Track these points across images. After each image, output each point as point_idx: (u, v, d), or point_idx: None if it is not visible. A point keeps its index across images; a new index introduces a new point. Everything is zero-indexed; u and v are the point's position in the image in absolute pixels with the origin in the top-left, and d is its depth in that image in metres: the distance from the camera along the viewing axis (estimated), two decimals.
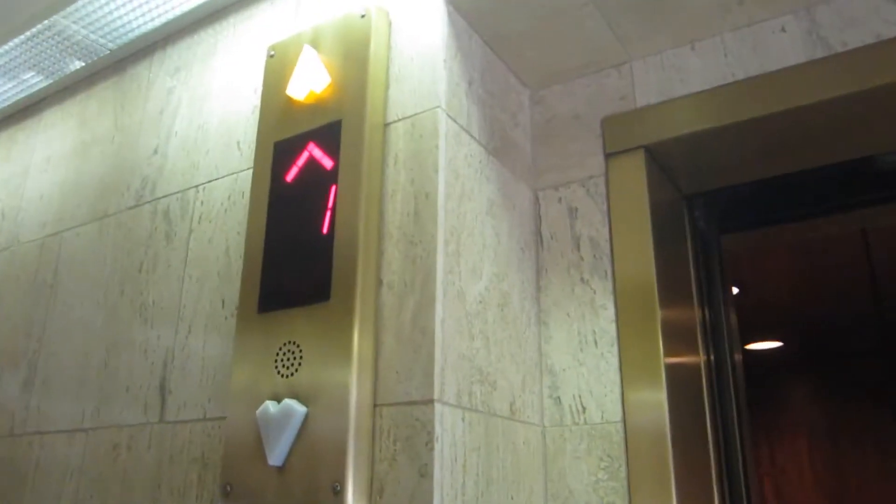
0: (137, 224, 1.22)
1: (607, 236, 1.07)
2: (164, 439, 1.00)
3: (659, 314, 0.99)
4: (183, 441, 0.98)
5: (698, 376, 1.18)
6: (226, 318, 1.00)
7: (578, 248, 1.08)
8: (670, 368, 0.98)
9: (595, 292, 1.03)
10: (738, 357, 1.34)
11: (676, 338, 1.07)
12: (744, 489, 1.19)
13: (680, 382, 1.03)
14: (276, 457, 0.80)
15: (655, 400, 0.92)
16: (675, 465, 0.89)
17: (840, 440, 3.61)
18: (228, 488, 0.85)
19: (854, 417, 3.62)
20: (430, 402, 0.77)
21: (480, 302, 0.91)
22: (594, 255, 1.06)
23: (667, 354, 0.97)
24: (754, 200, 1.35)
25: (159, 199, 1.21)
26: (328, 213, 0.91)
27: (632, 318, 0.99)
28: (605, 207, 1.09)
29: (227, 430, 0.88)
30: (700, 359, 1.21)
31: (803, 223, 1.40)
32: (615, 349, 0.98)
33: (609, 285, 1.03)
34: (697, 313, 1.24)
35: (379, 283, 0.87)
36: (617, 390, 0.95)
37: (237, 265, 1.02)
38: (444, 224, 0.88)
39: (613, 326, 0.99)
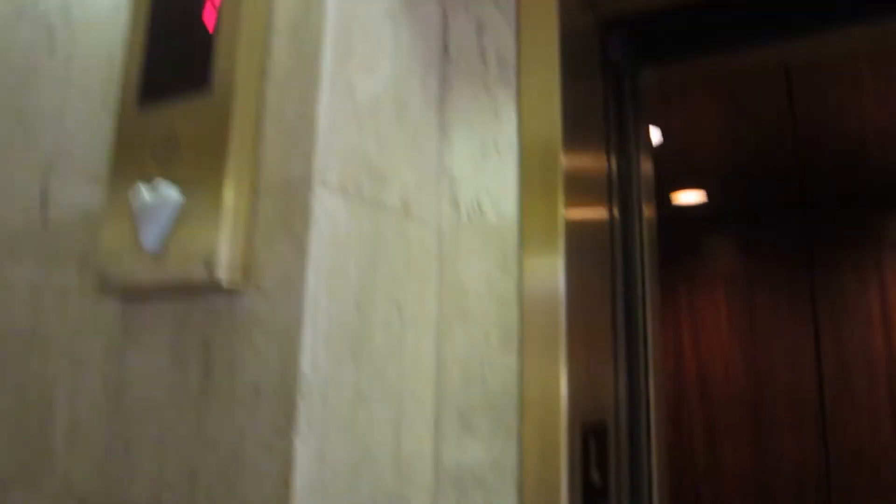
0: (16, 36, 1.16)
1: (515, 52, 1.06)
2: (45, 242, 0.99)
3: (562, 156, 0.99)
4: (63, 241, 0.97)
5: (601, 195, 1.20)
6: (108, 118, 0.98)
7: (485, 63, 1.06)
8: (570, 177, 0.99)
9: (499, 103, 1.03)
10: (649, 208, 1.34)
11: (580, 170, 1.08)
12: (643, 342, 1.23)
13: (581, 193, 1.05)
14: (151, 242, 0.80)
15: (551, 201, 0.94)
16: (567, 261, 0.92)
17: (756, 289, 3.82)
18: (105, 277, 0.86)
19: (771, 268, 3.82)
20: (310, 182, 0.77)
21: (374, 101, 0.90)
22: (500, 70, 1.05)
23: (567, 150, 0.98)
24: (674, 30, 1.34)
25: (40, 7, 1.15)
26: (213, 11, 0.89)
27: (534, 126, 0.99)
28: (514, 25, 1.07)
29: (103, 221, 0.88)
30: (606, 200, 1.22)
31: (725, 55, 1.40)
32: (516, 156, 0.98)
33: (513, 97, 1.02)
34: (608, 155, 1.24)
35: (264, 75, 0.85)
36: (515, 193, 0.96)
37: (120, 70, 0.98)
38: (336, 20, 0.85)
39: (516, 136, 1.00)
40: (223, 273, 0.77)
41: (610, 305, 1.14)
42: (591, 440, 0.92)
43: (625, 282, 1.23)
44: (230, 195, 0.79)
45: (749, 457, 3.65)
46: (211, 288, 0.80)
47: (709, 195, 3.73)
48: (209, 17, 0.88)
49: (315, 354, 0.75)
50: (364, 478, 0.80)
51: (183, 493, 0.79)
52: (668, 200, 3.69)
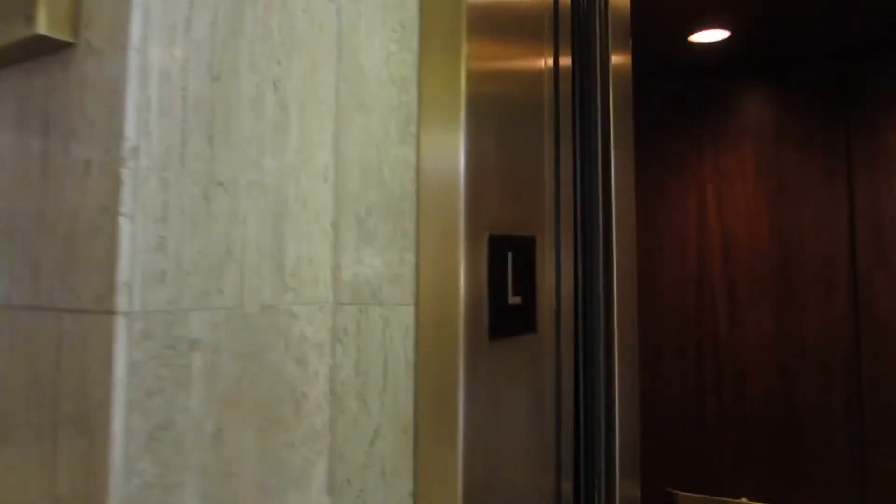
0: None
1: None
2: None
3: None
4: None
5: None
6: None
7: None
8: None
9: None
10: (620, 52, 1.14)
11: None
12: (602, 242, 1.10)
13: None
14: None
15: None
16: (469, 30, 0.80)
17: (785, 143, 3.60)
18: None
19: (802, 119, 3.58)
20: None
21: None
22: None
23: None
24: None
25: None
26: None
27: None
28: None
29: None
30: None
31: None
32: None
33: None
34: None
35: None
36: None
37: None
38: None
39: None
40: (43, 27, 0.67)
41: (549, 113, 1.02)
42: (506, 254, 0.83)
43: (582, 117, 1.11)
44: None
45: (774, 328, 3.59)
46: (44, 49, 0.71)
47: (733, 37, 3.39)
48: None
49: (147, 122, 0.66)
50: (228, 279, 0.73)
51: (27, 289, 0.73)
52: (685, 42, 3.39)
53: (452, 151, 0.77)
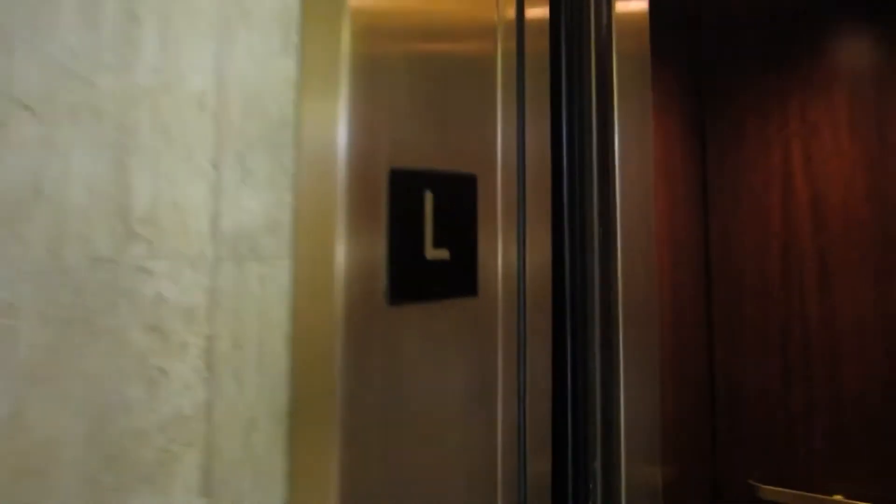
0: None
1: None
2: None
3: None
4: None
5: None
6: None
7: None
8: None
9: None
10: (623, 4, 0.98)
11: None
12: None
13: None
14: None
15: None
16: None
17: (887, 90, 3.18)
18: None
19: None
20: None
21: None
22: None
23: None
24: None
25: None
26: None
27: None
28: None
29: None
30: None
31: None
32: None
33: None
34: None
35: None
36: None
37: None
38: None
39: None
40: None
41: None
42: (421, 194, 0.66)
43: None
44: None
45: (873, 306, 3.23)
46: None
47: None
48: None
49: None
50: (36, 224, 0.59)
51: None
52: None
53: (333, 59, 0.60)
